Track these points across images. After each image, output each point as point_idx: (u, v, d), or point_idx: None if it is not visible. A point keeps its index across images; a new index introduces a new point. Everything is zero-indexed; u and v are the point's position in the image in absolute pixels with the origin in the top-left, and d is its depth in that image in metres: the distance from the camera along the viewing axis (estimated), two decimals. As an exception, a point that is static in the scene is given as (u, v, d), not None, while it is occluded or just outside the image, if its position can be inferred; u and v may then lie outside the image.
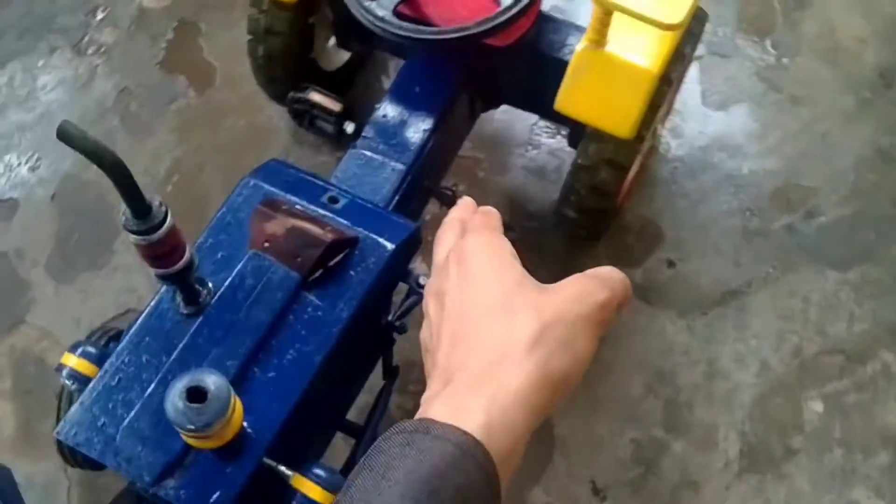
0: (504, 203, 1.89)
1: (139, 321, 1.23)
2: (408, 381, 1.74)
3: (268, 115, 1.98)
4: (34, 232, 1.90)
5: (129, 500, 1.32)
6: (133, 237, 1.05)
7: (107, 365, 1.20)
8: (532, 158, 1.95)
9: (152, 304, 1.23)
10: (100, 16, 2.16)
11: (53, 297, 1.82)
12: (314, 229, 1.24)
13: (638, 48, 1.32)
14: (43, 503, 1.64)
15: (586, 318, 0.59)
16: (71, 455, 1.53)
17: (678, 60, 1.45)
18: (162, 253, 1.09)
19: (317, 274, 1.24)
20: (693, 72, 2.02)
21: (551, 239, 1.85)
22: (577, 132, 1.54)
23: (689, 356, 1.75)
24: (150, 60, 2.09)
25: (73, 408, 1.17)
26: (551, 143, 1.95)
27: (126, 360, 1.20)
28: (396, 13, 1.39)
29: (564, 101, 1.39)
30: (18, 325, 1.81)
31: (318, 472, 1.16)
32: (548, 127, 1.96)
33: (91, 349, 1.26)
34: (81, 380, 1.23)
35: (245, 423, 1.14)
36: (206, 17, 2.14)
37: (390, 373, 1.50)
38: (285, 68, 1.67)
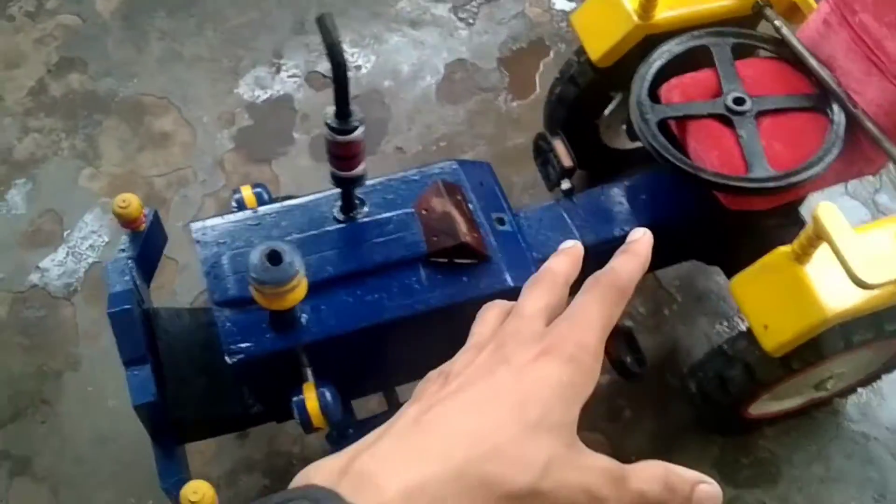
0: (665, 348, 1.89)
1: (304, 199, 1.45)
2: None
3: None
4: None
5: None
6: (327, 132, 1.27)
7: (260, 209, 1.44)
8: (718, 332, 1.92)
9: (323, 193, 1.45)
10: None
11: (300, 161, 2.14)
12: (462, 226, 1.38)
13: (831, 286, 1.29)
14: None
15: None
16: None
17: (872, 329, 1.38)
18: (343, 155, 1.30)
19: (440, 259, 1.38)
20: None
21: (682, 407, 1.82)
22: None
23: None
24: (495, 52, 2.34)
25: (216, 219, 1.42)
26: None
27: (273, 215, 1.43)
28: (665, 123, 1.48)
29: (739, 285, 1.39)
30: (263, 163, 2.15)
31: (327, 393, 1.30)
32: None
33: (264, 193, 1.52)
34: (242, 207, 1.48)
35: (304, 315, 1.32)
36: (559, 47, 2.35)
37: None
38: (565, 116, 1.82)
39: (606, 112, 1.86)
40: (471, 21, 2.41)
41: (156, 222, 1.54)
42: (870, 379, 1.73)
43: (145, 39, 2.35)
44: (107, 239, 2.04)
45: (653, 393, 1.84)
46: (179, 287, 1.96)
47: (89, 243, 2.03)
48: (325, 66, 2.31)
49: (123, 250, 1.49)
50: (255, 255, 1.17)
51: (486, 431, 0.45)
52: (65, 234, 2.05)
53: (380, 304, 1.35)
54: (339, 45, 1.14)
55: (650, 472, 0.49)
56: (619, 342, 1.70)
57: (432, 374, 0.51)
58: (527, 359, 0.48)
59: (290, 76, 2.29)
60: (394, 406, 1.59)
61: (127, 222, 1.50)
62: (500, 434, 0.45)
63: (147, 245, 1.52)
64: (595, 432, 1.80)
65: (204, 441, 1.68)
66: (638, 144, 1.96)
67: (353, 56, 2.33)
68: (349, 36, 2.35)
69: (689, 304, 1.95)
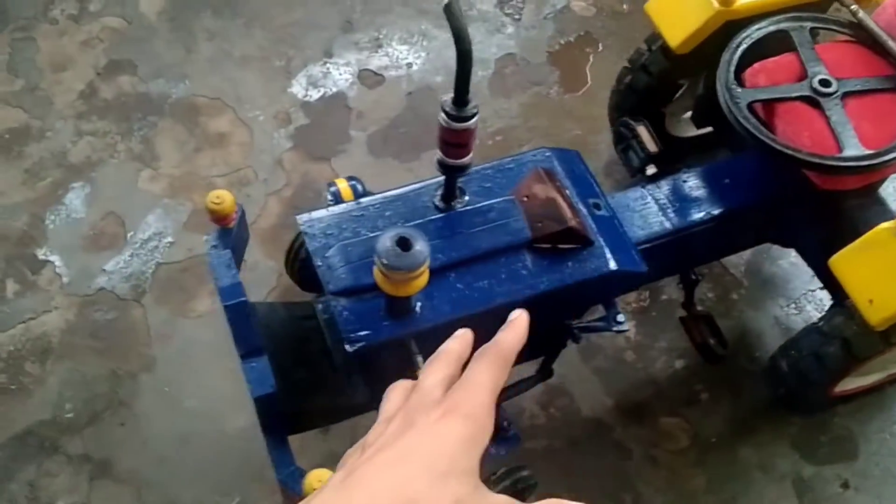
0: (736, 333, 1.92)
1: (403, 189, 1.46)
2: (553, 401, 1.84)
3: (598, 139, 2.17)
4: (380, 108, 2.25)
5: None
6: (443, 117, 1.28)
7: (363, 200, 1.45)
8: (788, 316, 1.95)
9: (422, 183, 1.46)
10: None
11: (358, 158, 2.15)
12: (566, 211, 1.39)
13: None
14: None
15: None
16: (292, 269, 1.83)
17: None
18: (455, 142, 1.31)
19: (545, 245, 1.40)
20: None
21: (756, 389, 1.85)
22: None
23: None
24: (544, 46, 2.37)
25: (320, 211, 1.43)
26: (813, 316, 1.93)
27: (376, 206, 1.43)
28: (751, 107, 1.50)
29: (841, 261, 1.42)
30: (322, 161, 2.16)
31: (440, 380, 1.32)
32: (819, 301, 1.95)
33: (359, 185, 1.53)
34: (339, 200, 1.49)
35: (419, 303, 1.34)
36: (610, 42, 2.38)
37: (543, 371, 1.62)
38: (635, 104, 1.84)
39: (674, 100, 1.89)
40: (517, 16, 2.43)
41: (242, 219, 1.55)
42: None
43: (193, 40, 2.35)
44: (171, 240, 2.04)
45: (727, 377, 1.87)
46: (250, 286, 1.95)
47: (154, 244, 2.03)
48: (376, 64, 2.32)
49: (215, 246, 1.49)
50: (386, 241, 1.18)
51: (403, 484, 0.52)
52: (128, 235, 2.04)
53: (490, 290, 1.36)
54: (466, 30, 1.15)
55: None
56: (702, 327, 1.73)
57: (351, 449, 0.58)
58: (431, 420, 0.55)
59: (341, 74, 2.30)
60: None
61: (219, 218, 1.50)
62: (416, 485, 0.52)
63: (237, 241, 1.52)
64: (675, 417, 1.83)
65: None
66: (701, 132, 1.99)
67: (404, 53, 2.34)
68: (397, 34, 2.37)
69: (755, 289, 1.98)
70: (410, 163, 2.15)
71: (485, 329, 1.38)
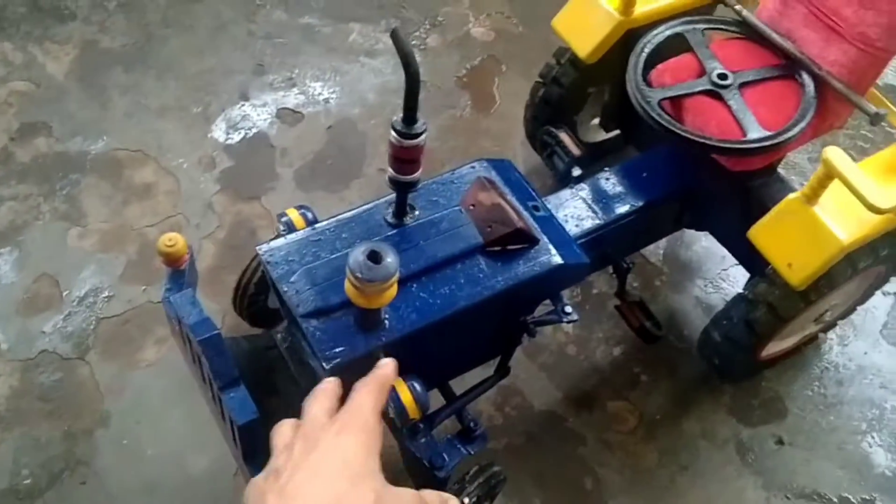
0: (664, 316, 2.06)
1: (355, 210, 1.53)
2: (507, 400, 1.93)
3: (513, 153, 2.30)
4: (303, 143, 2.31)
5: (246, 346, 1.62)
6: (394, 136, 1.36)
7: (317, 225, 1.51)
8: (707, 294, 2.11)
9: (371, 203, 1.54)
10: (436, 23, 2.61)
11: (288, 194, 2.20)
12: (512, 214, 1.50)
13: (840, 220, 1.49)
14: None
15: None
16: (241, 306, 1.86)
17: (871, 255, 1.59)
18: (406, 159, 1.39)
19: (496, 248, 1.49)
20: (885, 303, 2.12)
21: (689, 365, 2.00)
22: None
23: (752, 525, 1.81)
24: (452, 72, 2.49)
25: (278, 240, 1.48)
26: (729, 292, 2.10)
27: (332, 229, 1.50)
28: (661, 105, 1.66)
29: (759, 233, 1.58)
30: (252, 200, 2.20)
31: (416, 385, 1.39)
32: (733, 278, 2.13)
33: (309, 213, 1.59)
34: (292, 228, 1.55)
35: (387, 316, 1.40)
36: (511, 62, 2.52)
37: (501, 370, 1.71)
38: (551, 115, 1.98)
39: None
40: (422, 46, 2.55)
41: (192, 260, 1.58)
42: (849, 311, 1.96)
43: (107, 96, 2.36)
44: (109, 294, 2.03)
45: (662, 357, 2.01)
46: (197, 328, 1.97)
47: (91, 300, 2.02)
48: (293, 102, 2.39)
49: (170, 289, 1.51)
50: (358, 256, 1.24)
51: (329, 490, 0.60)
52: (64, 294, 2.02)
53: (452, 296, 1.45)
54: (412, 54, 1.24)
55: (432, 496, 0.67)
56: (637, 312, 1.87)
57: (255, 478, 0.65)
58: (331, 437, 0.65)
59: (260, 115, 2.35)
60: (452, 400, 1.68)
61: (172, 260, 1.53)
62: (339, 487, 0.61)
63: (189, 283, 1.55)
64: (621, 400, 1.95)
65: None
66: (609, 136, 2.15)
67: (319, 89, 2.41)
68: (310, 72, 2.44)
69: (675, 274, 2.14)
70: (341, 192, 2.22)
71: (452, 333, 1.47)
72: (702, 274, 2.15)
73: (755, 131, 1.59)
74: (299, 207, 1.62)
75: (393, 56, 2.51)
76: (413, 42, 2.55)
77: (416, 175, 1.42)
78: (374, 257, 1.28)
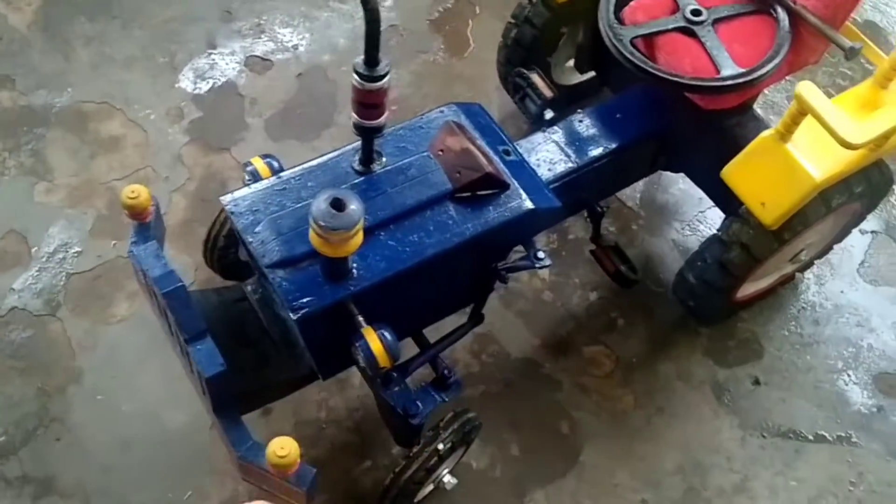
0: (641, 260, 2.05)
1: (321, 158, 1.50)
2: (484, 348, 1.92)
3: (489, 98, 2.25)
4: (272, 92, 2.26)
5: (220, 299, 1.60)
6: (356, 79, 1.32)
7: (283, 174, 1.48)
8: (684, 237, 2.10)
9: (338, 151, 1.51)
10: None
11: (259, 144, 2.16)
12: (481, 159, 1.47)
13: (814, 156, 1.47)
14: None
15: None
16: (212, 259, 1.83)
17: (846, 192, 1.58)
18: (370, 103, 1.35)
19: (465, 194, 1.47)
20: (862, 242, 2.11)
21: (665, 308, 1.99)
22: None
23: (729, 463, 1.82)
24: (425, 14, 2.43)
25: (242, 190, 1.45)
26: (707, 234, 2.08)
27: (298, 177, 1.47)
28: (633, 44, 1.62)
29: (732, 172, 1.56)
30: (222, 151, 2.16)
31: (386, 333, 1.37)
32: (710, 220, 2.11)
33: (275, 162, 1.55)
34: (257, 178, 1.51)
35: (355, 265, 1.38)
36: (485, 3, 2.46)
37: (474, 317, 1.70)
38: (524, 57, 1.93)
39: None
40: (394, -12, 2.48)
41: (158, 212, 1.55)
42: (825, 250, 1.95)
43: (71, 47, 2.29)
44: (78, 249, 2.00)
45: (639, 301, 2.00)
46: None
47: (61, 256, 1.98)
48: (262, 50, 2.33)
49: (135, 241, 1.48)
50: (321, 204, 1.22)
51: None
52: (32, 251, 1.99)
53: (421, 243, 1.43)
54: (370, -9, 1.20)
55: None
56: (613, 256, 1.85)
57: None
58: None
59: (228, 64, 2.30)
60: (425, 348, 1.67)
61: (136, 213, 1.50)
62: None
63: (155, 235, 1.52)
64: (597, 345, 1.95)
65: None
66: (584, 78, 2.11)
67: (288, 36, 2.35)
68: (278, 18, 2.38)
69: (652, 217, 2.12)
70: (312, 142, 2.18)
71: (422, 281, 1.45)
72: (679, 216, 2.14)
73: (729, 68, 1.56)
74: (265, 156, 1.59)
75: None
76: (383, -16, 2.49)
77: (382, 120, 1.39)
78: (338, 205, 1.26)
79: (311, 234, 1.26)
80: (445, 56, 2.36)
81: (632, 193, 2.14)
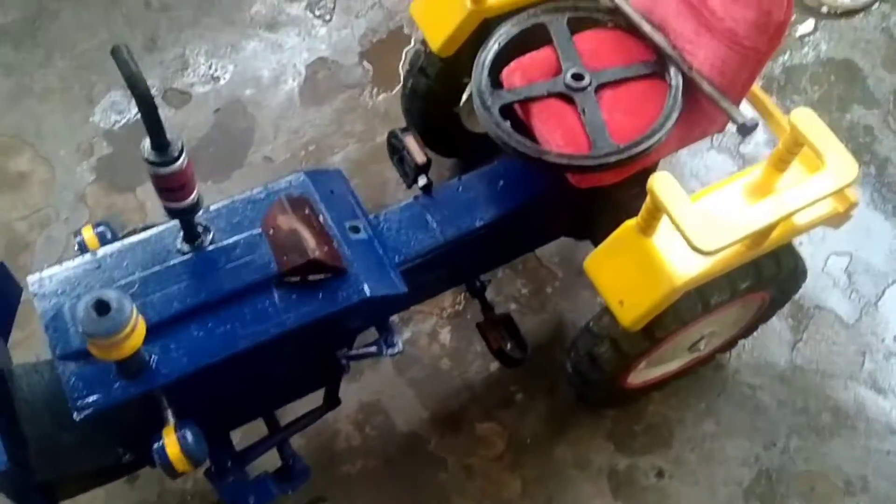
0: (550, 327, 1.89)
1: (145, 234, 1.39)
2: (369, 419, 1.80)
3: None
4: (186, 128, 2.17)
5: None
6: (149, 167, 1.21)
7: (100, 251, 1.38)
8: (601, 302, 1.92)
9: (164, 226, 1.40)
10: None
11: (165, 185, 2.07)
12: (311, 241, 1.33)
13: (679, 254, 1.29)
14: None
15: None
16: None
17: (727, 289, 1.40)
18: (171, 187, 1.24)
19: (294, 278, 1.34)
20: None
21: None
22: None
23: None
24: (356, 46, 2.30)
25: (54, 267, 1.35)
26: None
27: (114, 255, 1.36)
28: (505, 110, 1.46)
29: (593, 263, 1.40)
30: (127, 192, 2.08)
31: (189, 434, 1.25)
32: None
33: (107, 232, 1.46)
34: (85, 250, 1.41)
35: (154, 357, 1.28)
36: (418, 33, 2.30)
37: (329, 401, 1.57)
38: (422, 107, 1.79)
39: (464, 99, 1.83)
40: (328, 17, 2.35)
41: (4, 276, 1.45)
42: (747, 331, 1.75)
43: (-10, 77, 2.24)
44: (-30, 292, 1.94)
45: (543, 374, 1.84)
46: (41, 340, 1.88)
47: (-48, 299, 1.94)
48: (182, 82, 2.24)
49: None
50: (81, 308, 1.11)
51: None
52: (-76, 292, 1.94)
53: (233, 334, 1.30)
54: (138, 76, 1.09)
55: None
56: (500, 331, 1.70)
57: None
58: None
59: (146, 97, 2.21)
60: (275, 431, 1.56)
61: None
62: None
63: (-3, 300, 1.43)
64: (490, 421, 1.80)
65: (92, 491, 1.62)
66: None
67: (211, 68, 2.25)
68: (204, 47, 2.28)
69: (570, 279, 1.96)
70: (222, 183, 2.08)
71: (240, 374, 1.33)
72: (602, 279, 1.96)
73: (603, 144, 1.39)
74: (97, 225, 1.49)
75: (295, 28, 2.34)
76: (318, 13, 2.35)
77: (192, 199, 1.27)
78: (101, 307, 1.15)
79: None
80: (373, 92, 2.22)
81: (551, 249, 1.97)
